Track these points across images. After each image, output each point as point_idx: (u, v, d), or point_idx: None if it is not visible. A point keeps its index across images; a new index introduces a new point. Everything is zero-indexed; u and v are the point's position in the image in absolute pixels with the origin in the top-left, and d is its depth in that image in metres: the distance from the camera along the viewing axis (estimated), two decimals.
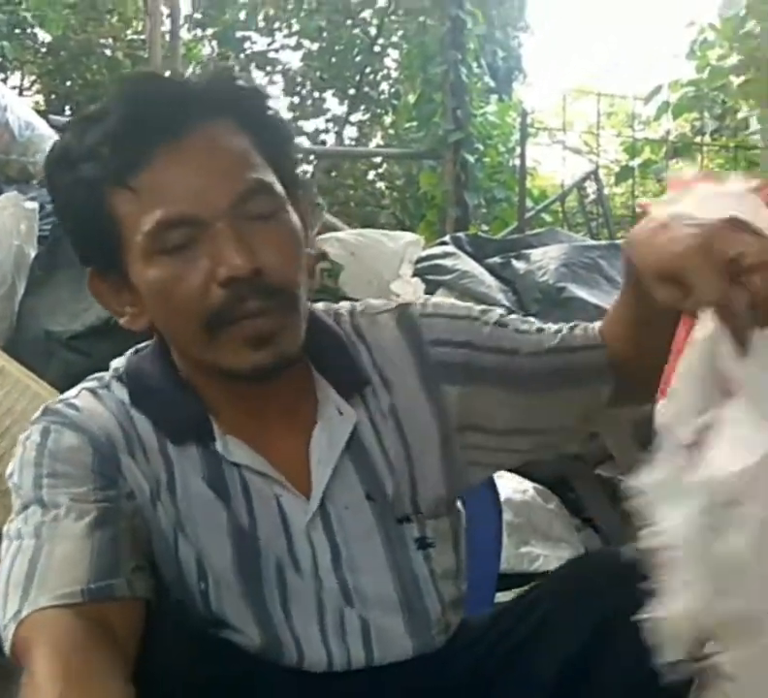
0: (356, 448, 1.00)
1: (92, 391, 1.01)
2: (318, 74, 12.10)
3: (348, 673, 0.96)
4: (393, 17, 11.15)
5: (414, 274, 3.37)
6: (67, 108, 10.22)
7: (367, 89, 11.77)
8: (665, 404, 0.72)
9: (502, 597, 1.47)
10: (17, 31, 9.78)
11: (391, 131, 11.55)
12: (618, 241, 3.89)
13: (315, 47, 12.05)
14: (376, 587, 0.98)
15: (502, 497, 1.88)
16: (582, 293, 3.24)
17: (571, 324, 1.06)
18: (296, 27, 11.98)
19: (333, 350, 1.03)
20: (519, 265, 3.48)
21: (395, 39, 11.31)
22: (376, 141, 12.04)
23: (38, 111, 4.04)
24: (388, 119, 11.76)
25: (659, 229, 0.75)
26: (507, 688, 0.98)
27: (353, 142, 11.85)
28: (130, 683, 0.81)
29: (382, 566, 0.98)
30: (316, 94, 12.29)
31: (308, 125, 12.13)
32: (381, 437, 1.01)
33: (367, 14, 11.64)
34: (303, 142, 11.03)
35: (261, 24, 12.12)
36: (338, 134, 11.87)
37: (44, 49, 10.97)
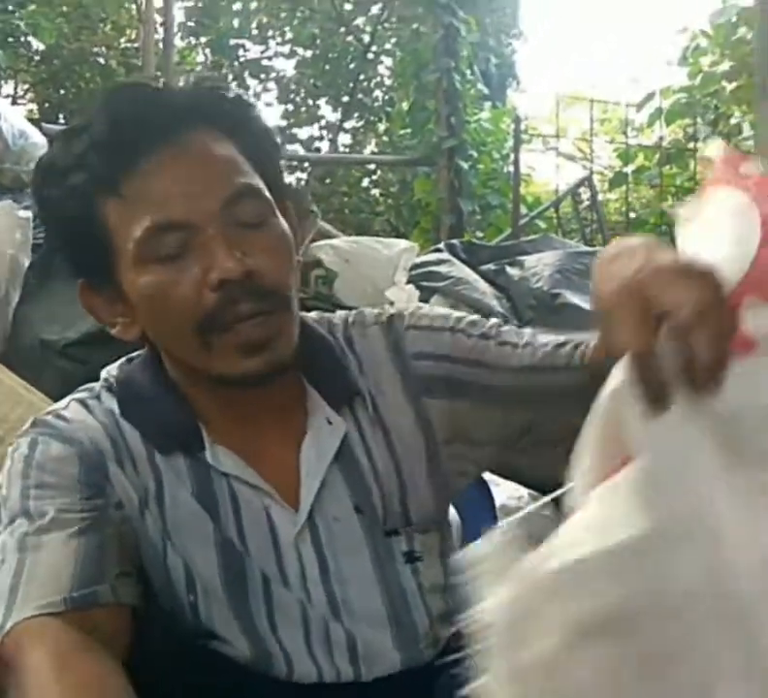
0: (345, 459, 1.00)
1: (82, 401, 1.00)
2: (312, 81, 12.13)
3: (338, 685, 0.95)
4: (386, 25, 11.19)
5: (409, 281, 3.36)
6: (61, 116, 10.25)
7: (360, 96, 11.80)
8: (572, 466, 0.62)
9: None
10: (11, 40, 9.81)
11: (385, 138, 11.58)
12: None
13: (309, 54, 12.10)
14: (364, 601, 0.97)
15: (497, 504, 1.88)
16: (576, 299, 3.24)
17: (561, 340, 1.03)
18: (289, 35, 12.03)
19: (324, 360, 1.02)
20: (513, 271, 3.49)
21: (388, 46, 11.36)
22: (370, 148, 12.07)
23: (31, 120, 4.03)
24: (382, 126, 11.79)
25: (618, 256, 0.69)
26: None
27: (347, 150, 11.87)
28: (122, 666, 0.82)
29: (370, 579, 0.97)
30: (310, 101, 12.33)
31: (302, 132, 12.18)
32: (370, 449, 1.01)
33: (360, 21, 11.68)
34: (297, 149, 11.06)
35: (254, 32, 12.16)
36: (332, 141, 11.89)
37: (37, 58, 11.00)
